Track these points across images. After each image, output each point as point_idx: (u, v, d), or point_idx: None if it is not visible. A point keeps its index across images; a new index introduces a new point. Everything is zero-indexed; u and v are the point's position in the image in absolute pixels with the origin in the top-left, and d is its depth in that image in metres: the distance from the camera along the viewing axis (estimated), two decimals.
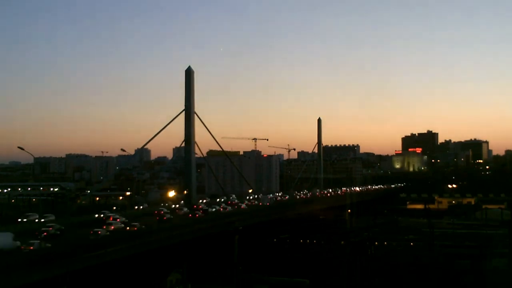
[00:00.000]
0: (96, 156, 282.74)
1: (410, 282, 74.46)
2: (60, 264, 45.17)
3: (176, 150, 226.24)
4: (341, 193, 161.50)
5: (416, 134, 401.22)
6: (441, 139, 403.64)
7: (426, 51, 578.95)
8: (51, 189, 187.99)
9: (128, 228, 60.88)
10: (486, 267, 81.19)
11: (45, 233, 52.06)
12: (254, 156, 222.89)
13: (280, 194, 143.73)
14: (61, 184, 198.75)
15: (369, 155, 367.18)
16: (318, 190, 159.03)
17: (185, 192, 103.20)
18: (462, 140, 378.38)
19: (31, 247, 44.74)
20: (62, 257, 45.80)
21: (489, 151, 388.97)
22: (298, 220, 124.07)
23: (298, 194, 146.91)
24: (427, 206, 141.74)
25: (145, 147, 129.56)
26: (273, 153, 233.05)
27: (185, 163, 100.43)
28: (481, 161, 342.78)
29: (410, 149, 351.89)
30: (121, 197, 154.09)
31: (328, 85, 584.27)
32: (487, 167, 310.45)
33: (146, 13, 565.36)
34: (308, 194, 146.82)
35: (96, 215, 75.81)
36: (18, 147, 68.25)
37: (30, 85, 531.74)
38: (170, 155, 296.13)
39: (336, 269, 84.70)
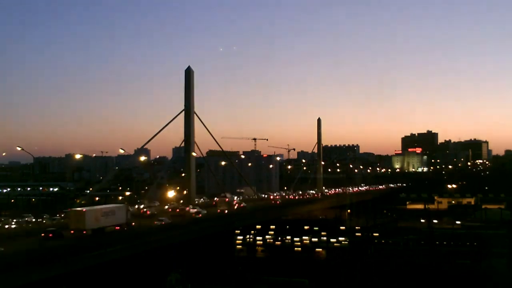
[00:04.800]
0: (96, 156, 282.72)
1: (410, 282, 74.51)
2: (60, 264, 45.13)
3: (176, 150, 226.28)
4: (341, 193, 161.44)
5: (416, 134, 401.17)
6: (441, 139, 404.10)
7: (426, 51, 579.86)
8: (51, 189, 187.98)
9: None
10: (486, 267, 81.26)
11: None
12: (254, 156, 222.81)
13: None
14: (61, 184, 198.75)
15: (369, 155, 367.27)
16: (316, 190, 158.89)
17: (185, 192, 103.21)
18: (462, 140, 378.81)
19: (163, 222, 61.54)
20: (61, 257, 45.75)
21: (489, 151, 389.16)
22: (298, 220, 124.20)
23: (295, 194, 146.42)
24: (426, 206, 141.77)
25: (145, 147, 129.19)
26: (273, 153, 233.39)
27: (185, 163, 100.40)
28: (481, 161, 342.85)
29: (410, 149, 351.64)
30: (120, 197, 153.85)
31: (328, 85, 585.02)
32: (487, 167, 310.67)
33: (146, 13, 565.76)
34: (307, 195, 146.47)
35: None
36: (18, 147, 68.00)
37: (30, 85, 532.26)
38: (170, 155, 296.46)
39: (336, 269, 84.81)
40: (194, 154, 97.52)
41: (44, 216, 70.72)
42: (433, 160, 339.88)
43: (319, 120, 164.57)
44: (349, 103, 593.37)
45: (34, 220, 68.13)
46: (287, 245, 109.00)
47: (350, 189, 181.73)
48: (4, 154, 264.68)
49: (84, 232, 54.05)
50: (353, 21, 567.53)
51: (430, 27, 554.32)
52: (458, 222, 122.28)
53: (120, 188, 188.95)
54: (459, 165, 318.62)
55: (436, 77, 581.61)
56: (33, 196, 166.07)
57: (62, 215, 71.01)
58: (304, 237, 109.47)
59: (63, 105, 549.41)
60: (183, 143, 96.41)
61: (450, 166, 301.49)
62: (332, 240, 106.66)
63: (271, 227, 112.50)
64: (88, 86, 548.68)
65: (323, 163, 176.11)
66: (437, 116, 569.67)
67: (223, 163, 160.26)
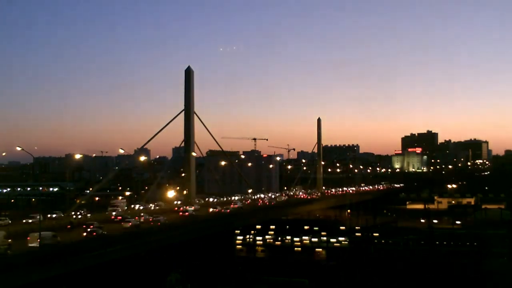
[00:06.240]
0: (96, 156, 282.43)
1: (410, 282, 74.54)
2: (60, 264, 45.09)
3: (176, 150, 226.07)
4: (341, 193, 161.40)
5: (416, 134, 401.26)
6: (441, 139, 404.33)
7: (426, 51, 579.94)
8: (51, 189, 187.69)
9: None
10: (486, 267, 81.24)
11: None
12: (254, 156, 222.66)
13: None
14: (61, 184, 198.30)
15: (369, 155, 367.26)
16: (315, 190, 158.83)
17: (185, 192, 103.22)
18: (462, 140, 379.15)
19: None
20: (61, 257, 45.68)
21: (489, 151, 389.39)
22: (298, 220, 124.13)
23: (296, 194, 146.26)
24: (426, 206, 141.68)
25: (145, 147, 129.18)
26: (273, 153, 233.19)
27: (185, 163, 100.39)
28: (481, 161, 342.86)
29: (410, 149, 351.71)
30: (120, 197, 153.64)
31: (328, 85, 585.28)
32: (487, 167, 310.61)
33: (146, 13, 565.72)
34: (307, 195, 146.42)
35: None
36: (18, 147, 67.82)
37: (30, 85, 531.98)
38: (170, 155, 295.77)
39: (336, 269, 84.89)
40: (194, 154, 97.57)
41: None
42: (433, 160, 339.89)
43: (319, 120, 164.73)
44: (349, 103, 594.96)
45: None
46: (287, 245, 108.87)
47: (348, 188, 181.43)
48: (4, 154, 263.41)
49: None
50: (353, 22, 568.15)
51: (430, 27, 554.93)
52: (458, 222, 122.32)
53: (120, 188, 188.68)
54: (459, 165, 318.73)
55: (436, 77, 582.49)
56: (33, 196, 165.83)
57: None
58: (304, 237, 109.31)
59: (63, 105, 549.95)
60: (183, 143, 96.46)
61: (450, 166, 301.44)
62: (332, 240, 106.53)
63: (271, 227, 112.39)
64: (88, 86, 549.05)
65: (323, 163, 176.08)
66: (437, 116, 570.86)
67: (223, 163, 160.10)
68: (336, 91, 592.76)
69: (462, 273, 78.18)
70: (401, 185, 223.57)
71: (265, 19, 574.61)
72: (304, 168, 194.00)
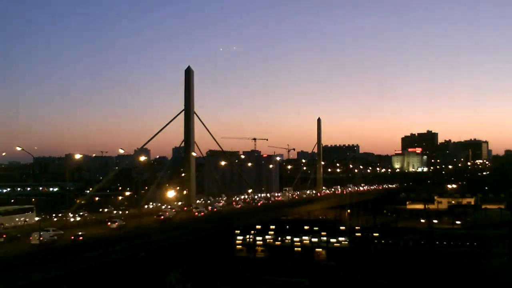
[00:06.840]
0: (96, 156, 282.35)
1: (410, 282, 74.57)
2: (60, 264, 45.10)
3: (176, 150, 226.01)
4: (341, 193, 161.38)
5: (416, 134, 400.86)
6: (441, 139, 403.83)
7: (426, 51, 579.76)
8: (51, 189, 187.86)
9: None
10: (486, 267, 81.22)
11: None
12: (254, 156, 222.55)
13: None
14: (61, 184, 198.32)
15: (369, 155, 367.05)
16: (314, 190, 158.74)
17: (185, 192, 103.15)
18: (462, 140, 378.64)
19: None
20: (61, 257, 45.69)
21: (489, 151, 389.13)
22: (298, 220, 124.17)
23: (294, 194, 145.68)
24: (426, 206, 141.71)
25: (145, 147, 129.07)
26: (273, 153, 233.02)
27: (185, 163, 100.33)
28: (481, 161, 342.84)
29: (410, 149, 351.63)
30: (120, 197, 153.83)
31: (328, 85, 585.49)
32: (487, 167, 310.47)
33: (146, 13, 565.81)
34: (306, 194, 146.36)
35: None
36: (18, 147, 67.75)
37: (30, 85, 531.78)
38: (170, 155, 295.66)
39: (336, 269, 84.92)
40: (194, 154, 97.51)
41: None
42: (433, 160, 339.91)
43: (319, 120, 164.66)
44: (349, 103, 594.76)
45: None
46: (287, 245, 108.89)
47: (350, 189, 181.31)
48: (4, 154, 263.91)
49: None
50: (353, 21, 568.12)
51: (430, 27, 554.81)
52: (458, 222, 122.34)
53: (120, 188, 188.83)
54: (459, 165, 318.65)
55: (436, 77, 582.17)
56: (33, 196, 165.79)
57: None
58: (304, 237, 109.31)
59: (63, 105, 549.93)
60: (183, 143, 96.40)
61: (450, 166, 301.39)
62: (332, 240, 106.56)
63: (271, 227, 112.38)
64: (88, 86, 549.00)
65: (323, 163, 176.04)
66: (437, 116, 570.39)
67: (223, 163, 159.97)
68: (336, 91, 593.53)
69: (462, 273, 78.17)
70: (400, 185, 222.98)
71: (265, 19, 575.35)
72: (304, 168, 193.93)
